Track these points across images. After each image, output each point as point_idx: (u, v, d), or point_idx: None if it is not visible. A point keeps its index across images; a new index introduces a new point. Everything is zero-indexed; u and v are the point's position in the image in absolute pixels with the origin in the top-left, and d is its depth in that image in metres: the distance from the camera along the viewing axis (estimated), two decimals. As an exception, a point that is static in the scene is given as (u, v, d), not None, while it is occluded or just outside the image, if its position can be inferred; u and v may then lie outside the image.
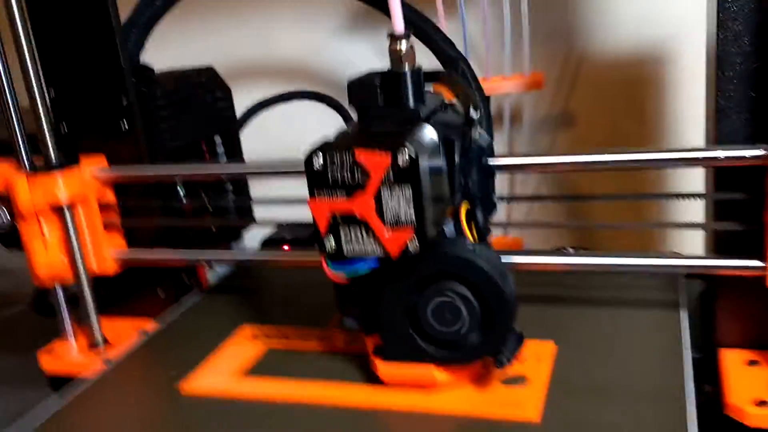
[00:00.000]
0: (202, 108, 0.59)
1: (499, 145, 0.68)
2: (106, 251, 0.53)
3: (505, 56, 0.71)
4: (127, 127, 0.52)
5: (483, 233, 0.44)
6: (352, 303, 0.41)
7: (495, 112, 0.77)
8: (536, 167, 0.50)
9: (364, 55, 0.84)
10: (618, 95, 0.77)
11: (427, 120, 0.38)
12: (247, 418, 0.40)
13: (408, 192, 0.35)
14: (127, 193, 0.54)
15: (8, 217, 0.52)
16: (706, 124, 0.49)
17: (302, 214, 0.43)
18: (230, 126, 0.63)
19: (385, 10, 0.40)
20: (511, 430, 0.37)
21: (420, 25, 0.58)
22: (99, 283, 0.54)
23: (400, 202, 0.36)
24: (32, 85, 0.49)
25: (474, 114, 0.42)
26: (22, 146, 0.50)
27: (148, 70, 0.54)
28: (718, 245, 0.43)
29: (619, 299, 0.49)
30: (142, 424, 0.42)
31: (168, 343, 0.51)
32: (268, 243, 0.65)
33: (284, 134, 0.75)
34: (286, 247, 0.63)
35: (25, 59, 0.48)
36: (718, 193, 0.42)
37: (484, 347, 0.39)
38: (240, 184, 0.63)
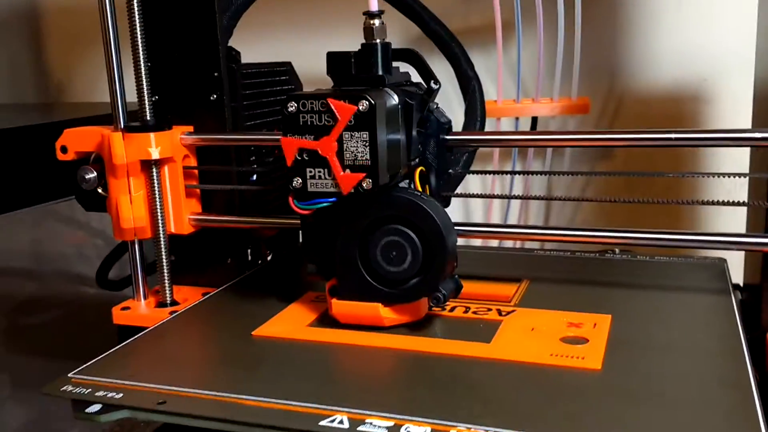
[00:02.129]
0: (278, 95, 0.64)
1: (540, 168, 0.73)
2: (184, 212, 0.56)
3: (555, 81, 0.75)
4: (215, 97, 0.56)
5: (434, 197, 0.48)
6: (315, 250, 0.46)
7: (539, 137, 0.81)
8: (494, 142, 0.59)
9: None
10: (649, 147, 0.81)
11: (391, 87, 0.45)
12: (312, 354, 0.43)
13: (365, 136, 0.41)
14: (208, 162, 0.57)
15: (95, 176, 0.56)
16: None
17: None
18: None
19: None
20: (574, 376, 0.38)
21: (447, 42, 0.65)
22: (171, 249, 0.57)
23: (358, 146, 0.41)
24: (138, 56, 0.53)
25: (433, 84, 0.48)
26: (120, 108, 0.54)
27: (234, 50, 0.59)
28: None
29: (670, 285, 0.51)
30: (217, 356, 0.44)
31: (234, 302, 0.53)
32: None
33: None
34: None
35: (136, 33, 0.53)
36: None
37: (423, 288, 0.44)
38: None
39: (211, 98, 0.57)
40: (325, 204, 0.43)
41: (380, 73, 0.45)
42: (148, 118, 0.54)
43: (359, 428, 0.33)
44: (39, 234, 0.99)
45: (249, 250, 0.61)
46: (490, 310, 0.47)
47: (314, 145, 0.42)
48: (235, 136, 0.56)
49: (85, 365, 0.41)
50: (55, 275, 1.08)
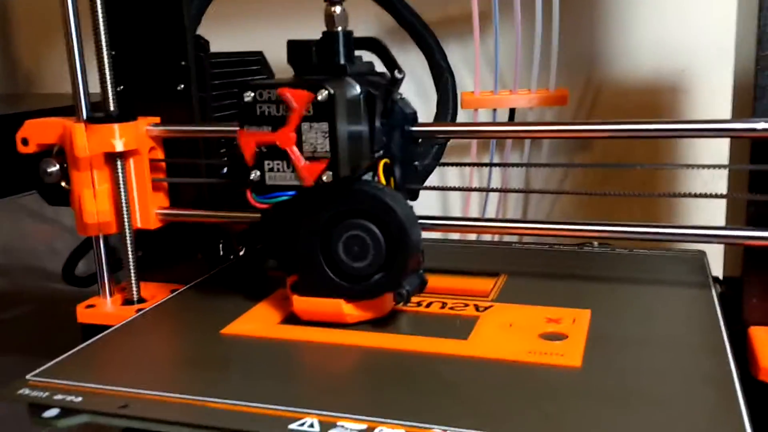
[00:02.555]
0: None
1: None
2: (150, 207, 0.54)
3: (533, 72, 0.74)
4: (182, 87, 0.54)
5: (399, 191, 0.47)
6: (276, 245, 0.45)
7: (517, 129, 0.80)
8: (459, 134, 0.57)
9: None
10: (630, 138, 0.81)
11: (354, 76, 0.43)
12: (283, 353, 0.42)
13: (325, 127, 0.40)
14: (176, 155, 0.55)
15: (57, 169, 0.53)
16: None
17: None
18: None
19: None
20: (554, 374, 0.38)
21: (420, 32, 0.63)
22: (138, 244, 0.55)
23: (317, 137, 0.40)
24: (101, 44, 0.51)
25: (398, 74, 0.47)
26: (82, 98, 0.52)
27: (203, 39, 0.57)
28: (750, 219, 0.45)
29: (649, 278, 0.50)
30: (184, 356, 0.43)
31: (203, 299, 0.51)
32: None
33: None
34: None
35: (98, 19, 0.51)
36: (756, 164, 0.44)
37: (386, 283, 0.42)
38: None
39: (178, 88, 0.55)
40: (284, 198, 0.42)
41: (342, 62, 0.44)
42: (112, 108, 0.52)
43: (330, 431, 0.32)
44: (5, 228, 0.96)
45: (220, 245, 0.60)
46: (467, 305, 0.46)
47: (272, 138, 0.41)
48: (203, 128, 0.54)
49: (43, 367, 0.39)
50: (22, 270, 1.05)
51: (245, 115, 0.41)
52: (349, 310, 0.43)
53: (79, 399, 0.36)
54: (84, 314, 0.54)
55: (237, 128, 0.54)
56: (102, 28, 0.51)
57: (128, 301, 0.54)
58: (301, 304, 0.44)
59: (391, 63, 0.48)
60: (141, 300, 0.55)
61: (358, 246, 0.42)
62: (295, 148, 0.40)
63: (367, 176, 0.45)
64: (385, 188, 0.43)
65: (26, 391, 0.37)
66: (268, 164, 0.41)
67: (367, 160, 0.44)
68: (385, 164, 0.46)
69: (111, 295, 0.55)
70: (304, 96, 0.40)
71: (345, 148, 0.41)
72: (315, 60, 0.44)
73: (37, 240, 1.02)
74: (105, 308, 0.54)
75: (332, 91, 0.40)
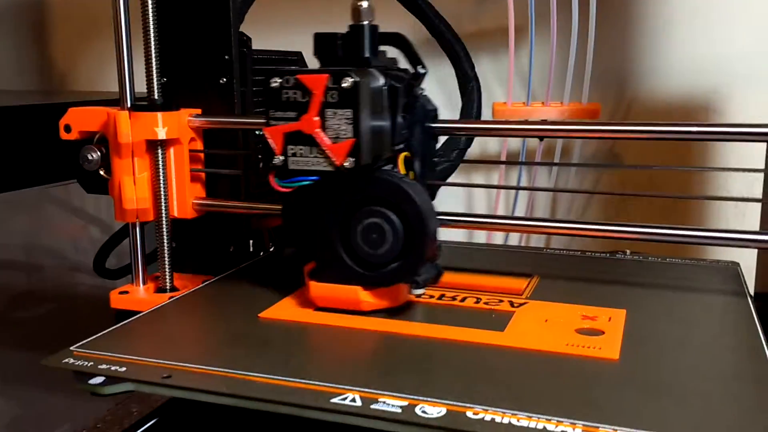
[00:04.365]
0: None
1: (546, 180, 0.72)
2: (188, 196, 0.55)
3: (566, 86, 0.75)
4: (225, 80, 0.55)
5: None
6: (295, 233, 0.45)
7: (548, 144, 0.81)
8: (480, 131, 0.56)
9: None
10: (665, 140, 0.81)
11: (378, 69, 0.44)
12: (322, 336, 0.42)
13: (349, 114, 0.41)
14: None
15: (98, 157, 0.54)
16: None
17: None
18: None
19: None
20: (592, 365, 0.37)
21: (449, 40, 0.64)
22: (172, 236, 0.56)
23: (341, 124, 0.41)
24: (149, 36, 0.52)
25: (420, 69, 0.47)
26: (127, 87, 0.53)
27: (245, 35, 0.58)
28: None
29: (684, 285, 0.50)
30: (223, 336, 0.43)
31: (239, 287, 0.52)
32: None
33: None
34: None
35: (147, 12, 0.52)
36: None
37: (403, 272, 0.42)
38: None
39: (221, 81, 0.56)
40: (306, 182, 0.42)
41: (366, 54, 0.44)
42: (156, 97, 0.53)
43: (372, 406, 0.32)
44: (33, 219, 0.97)
45: (251, 241, 0.60)
46: (501, 301, 0.46)
47: (297, 126, 0.42)
48: (244, 120, 0.55)
49: (86, 340, 0.40)
50: (49, 266, 1.06)
51: (271, 100, 0.42)
52: (365, 297, 0.43)
53: (123, 369, 0.36)
54: (117, 300, 0.55)
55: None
56: (151, 20, 0.52)
57: (161, 290, 0.55)
58: (318, 290, 0.44)
59: (414, 58, 0.48)
60: (174, 289, 0.55)
61: (376, 233, 0.42)
62: (320, 131, 0.41)
63: (387, 167, 0.46)
64: (406, 178, 0.44)
65: (71, 360, 0.37)
66: (291, 149, 0.42)
67: (387, 151, 0.44)
68: (405, 157, 0.47)
69: (144, 283, 0.56)
70: (323, 80, 0.41)
71: (368, 136, 0.41)
72: (340, 52, 0.44)
73: (62, 231, 1.03)
74: (138, 294, 0.55)
75: (357, 79, 0.40)
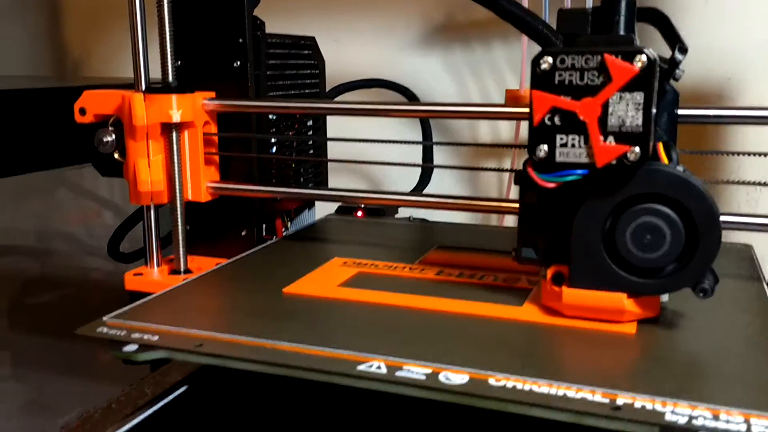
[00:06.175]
0: (300, 69, 0.63)
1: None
2: (202, 179, 0.55)
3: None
4: (239, 63, 0.55)
5: None
6: (535, 232, 0.40)
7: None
8: (730, 119, 0.49)
9: (435, 70, 0.88)
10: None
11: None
12: (346, 310, 0.42)
13: (640, 98, 0.35)
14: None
15: (113, 140, 0.55)
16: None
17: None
18: (319, 95, 0.67)
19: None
20: (610, 337, 0.38)
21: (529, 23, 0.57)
22: (186, 219, 0.56)
23: (628, 110, 0.36)
24: (164, 19, 0.52)
25: (679, 56, 0.41)
26: (142, 70, 0.53)
27: (259, 19, 0.58)
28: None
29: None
30: (249, 308, 0.43)
31: (260, 265, 0.52)
32: (342, 210, 0.67)
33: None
34: (359, 214, 0.65)
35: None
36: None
37: (686, 277, 0.38)
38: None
39: (235, 65, 0.56)
40: (574, 177, 0.37)
41: (622, 32, 0.38)
42: (171, 80, 0.53)
43: (397, 374, 0.32)
44: (47, 203, 0.98)
45: (264, 225, 0.60)
46: (518, 279, 0.46)
47: (573, 105, 0.36)
48: (259, 103, 0.55)
49: (118, 311, 0.40)
50: (62, 251, 1.07)
51: (540, 83, 0.37)
52: (630, 306, 0.39)
53: (156, 338, 0.37)
54: (132, 281, 0.55)
55: (292, 103, 0.55)
56: (165, 3, 0.52)
57: (175, 272, 0.55)
58: (572, 297, 0.39)
59: (673, 38, 0.43)
60: (188, 271, 0.55)
61: (652, 234, 0.37)
62: (596, 123, 0.36)
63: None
64: (687, 171, 0.38)
65: (104, 329, 0.38)
66: (561, 138, 0.37)
67: (656, 140, 0.38)
68: (665, 144, 0.39)
69: (158, 265, 0.56)
70: (627, 69, 0.36)
71: (653, 126, 0.36)
72: (590, 30, 0.38)
73: (75, 215, 1.04)
74: (152, 276, 0.55)
75: (654, 57, 0.35)
